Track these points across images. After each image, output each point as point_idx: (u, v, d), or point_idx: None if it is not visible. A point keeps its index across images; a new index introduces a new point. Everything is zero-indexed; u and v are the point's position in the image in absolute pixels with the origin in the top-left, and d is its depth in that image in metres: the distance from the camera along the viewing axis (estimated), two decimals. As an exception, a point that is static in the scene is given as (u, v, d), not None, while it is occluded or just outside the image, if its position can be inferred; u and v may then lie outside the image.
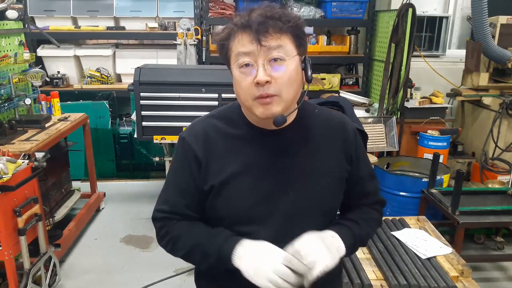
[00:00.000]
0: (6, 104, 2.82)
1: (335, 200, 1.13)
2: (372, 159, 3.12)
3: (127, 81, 4.07)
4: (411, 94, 3.79)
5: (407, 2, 3.57)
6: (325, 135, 1.11)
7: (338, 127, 1.13)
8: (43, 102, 3.21)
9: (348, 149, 1.12)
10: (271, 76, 0.96)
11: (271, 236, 1.02)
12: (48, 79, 4.01)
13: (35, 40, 4.03)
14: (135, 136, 3.11)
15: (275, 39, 0.95)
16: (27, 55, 3.15)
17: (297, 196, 1.05)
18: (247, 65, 0.97)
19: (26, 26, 3.29)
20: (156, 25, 4.05)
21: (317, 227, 1.05)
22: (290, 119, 1.07)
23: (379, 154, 3.63)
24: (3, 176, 2.07)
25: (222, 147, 1.06)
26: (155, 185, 4.11)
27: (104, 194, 3.73)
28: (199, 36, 3.82)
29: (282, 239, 1.01)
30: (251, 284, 0.96)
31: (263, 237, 1.02)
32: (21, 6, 3.11)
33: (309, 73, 1.03)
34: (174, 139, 2.98)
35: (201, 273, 1.20)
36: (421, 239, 2.09)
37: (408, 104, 3.69)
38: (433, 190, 2.83)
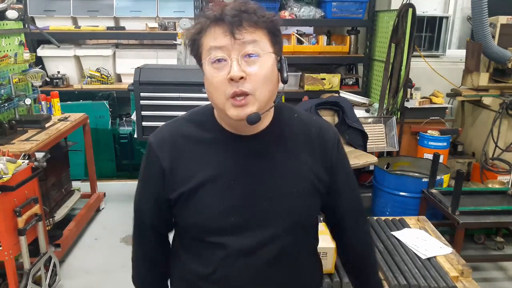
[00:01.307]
0: (6, 104, 2.82)
1: (309, 209, 1.06)
2: (372, 159, 3.12)
3: (127, 81, 4.07)
4: (411, 94, 3.79)
5: (407, 2, 3.57)
6: (302, 141, 1.04)
7: (317, 134, 1.05)
8: (43, 102, 3.21)
9: (326, 159, 1.05)
10: (245, 72, 0.90)
11: (242, 247, 0.99)
12: (48, 79, 4.01)
13: (35, 40, 4.03)
14: (135, 136, 3.11)
15: (249, 33, 0.90)
16: (27, 55, 3.15)
17: (270, 205, 0.99)
18: (219, 60, 0.91)
19: (26, 26, 3.29)
20: (156, 25, 4.05)
21: (291, 238, 1.03)
22: (265, 123, 1.01)
23: (379, 154, 3.63)
24: (3, 176, 2.07)
25: (191, 153, 1.00)
26: (155, 185, 4.10)
27: (104, 194, 3.73)
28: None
29: (254, 250, 0.99)
30: None
31: (234, 248, 0.98)
32: (21, 6, 3.10)
33: (285, 74, 0.97)
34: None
35: (174, 279, 1.17)
36: (421, 239, 2.09)
37: (408, 104, 3.69)
38: (433, 190, 2.83)
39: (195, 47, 0.96)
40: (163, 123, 1.10)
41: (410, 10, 3.54)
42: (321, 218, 2.28)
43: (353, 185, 1.14)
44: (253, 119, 0.92)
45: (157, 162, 1.01)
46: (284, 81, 0.98)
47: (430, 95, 3.89)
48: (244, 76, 0.90)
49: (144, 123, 2.99)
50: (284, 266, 1.04)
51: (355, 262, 1.22)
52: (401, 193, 3.02)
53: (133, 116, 3.16)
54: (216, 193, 0.98)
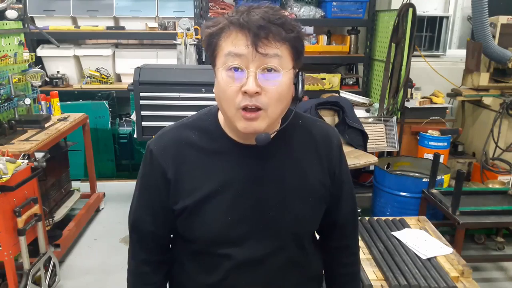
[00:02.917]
0: (6, 104, 2.82)
1: (315, 217, 1.05)
2: (373, 159, 3.12)
3: (127, 81, 4.07)
4: (412, 94, 3.79)
5: (408, 2, 3.56)
6: (308, 149, 1.02)
7: (323, 141, 1.03)
8: (42, 102, 3.20)
9: (331, 167, 1.04)
10: (261, 87, 0.85)
11: (249, 258, 0.98)
12: (47, 79, 4.00)
13: (35, 40, 4.02)
14: (135, 136, 3.10)
15: (273, 47, 0.84)
16: (26, 55, 3.14)
17: (277, 215, 0.97)
18: (236, 69, 0.85)
19: (26, 26, 3.28)
20: (156, 25, 4.05)
21: (298, 246, 1.03)
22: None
23: (380, 154, 3.63)
24: (3, 176, 2.06)
25: (195, 163, 0.96)
26: (155, 185, 4.10)
27: (104, 194, 3.72)
28: (199, 36, 3.81)
29: (261, 260, 0.98)
30: None
31: (239, 259, 0.97)
32: (20, 6, 3.10)
33: (300, 90, 0.93)
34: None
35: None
36: (421, 239, 2.09)
37: (409, 104, 3.69)
38: (434, 190, 2.82)
39: (211, 48, 0.90)
40: (163, 123, 1.09)
41: (410, 10, 3.54)
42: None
43: (352, 190, 1.13)
44: (263, 140, 0.89)
45: (161, 171, 0.97)
46: (299, 99, 0.94)
47: (430, 95, 3.89)
48: (260, 91, 0.85)
49: (144, 123, 2.99)
50: (292, 274, 1.03)
51: (342, 270, 1.16)
52: (402, 193, 3.01)
53: (133, 116, 3.16)
54: (222, 205, 0.96)
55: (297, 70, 0.93)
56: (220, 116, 0.99)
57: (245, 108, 0.86)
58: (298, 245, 1.03)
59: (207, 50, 0.92)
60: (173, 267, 1.11)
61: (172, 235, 1.09)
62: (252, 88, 0.84)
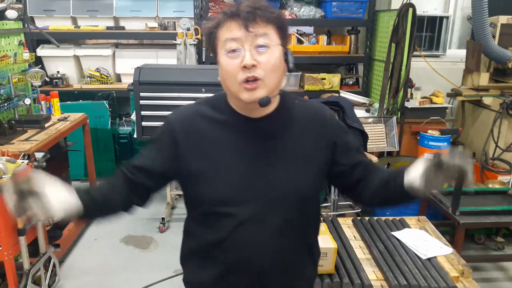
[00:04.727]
0: (6, 104, 2.82)
1: (312, 185, 1.16)
2: (373, 159, 3.12)
3: (127, 81, 4.07)
4: (412, 94, 3.79)
5: (407, 2, 3.56)
6: (305, 123, 1.16)
7: (318, 116, 1.19)
8: (42, 102, 3.20)
9: (330, 137, 1.17)
10: (256, 61, 1.02)
11: (250, 218, 1.09)
12: (47, 79, 4.00)
13: (35, 40, 4.02)
14: (135, 136, 3.10)
15: (261, 27, 1.03)
16: (26, 55, 3.15)
17: (275, 179, 1.10)
18: (234, 50, 1.03)
19: (26, 26, 3.29)
20: (156, 25, 4.05)
21: (296, 210, 1.13)
22: (272, 107, 1.13)
23: (380, 154, 3.62)
24: (3, 176, 2.06)
25: (207, 131, 1.11)
26: (155, 185, 4.09)
27: (104, 194, 3.71)
28: (199, 36, 3.81)
29: (260, 221, 1.09)
30: (238, 258, 1.10)
31: (242, 219, 1.09)
32: (20, 6, 3.10)
33: (291, 64, 1.10)
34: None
35: (187, 254, 1.24)
36: (421, 239, 2.09)
37: (409, 104, 3.69)
38: (434, 190, 2.82)
39: (211, 40, 1.08)
40: (163, 123, 1.17)
41: (410, 10, 3.54)
42: (321, 219, 2.27)
43: (360, 148, 1.26)
44: (264, 102, 1.05)
45: (172, 133, 1.12)
46: (290, 70, 1.11)
47: (430, 95, 3.89)
48: (256, 64, 1.02)
49: (143, 123, 2.99)
50: (291, 235, 1.14)
51: (382, 181, 1.21)
52: (402, 193, 3.01)
53: (133, 116, 3.16)
54: (228, 168, 1.09)
55: (285, 49, 1.10)
56: (228, 95, 1.14)
57: (246, 81, 1.03)
58: (297, 208, 1.13)
59: (208, 43, 1.10)
60: (184, 242, 1.23)
61: (139, 196, 1.16)
62: (250, 61, 1.01)
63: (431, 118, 3.67)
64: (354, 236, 2.17)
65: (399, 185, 1.12)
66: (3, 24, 3.00)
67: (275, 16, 1.06)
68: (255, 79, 1.02)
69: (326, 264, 1.77)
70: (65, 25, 4.07)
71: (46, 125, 2.98)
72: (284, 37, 1.09)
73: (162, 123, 1.17)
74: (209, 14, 4.02)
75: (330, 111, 1.24)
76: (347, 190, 1.29)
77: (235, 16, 1.03)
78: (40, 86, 3.34)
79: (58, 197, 1.00)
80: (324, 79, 4.20)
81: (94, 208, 1.11)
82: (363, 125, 3.35)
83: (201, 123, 1.12)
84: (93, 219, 1.16)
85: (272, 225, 1.10)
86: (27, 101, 3.00)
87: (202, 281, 1.18)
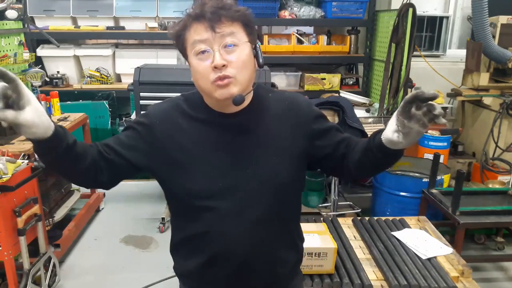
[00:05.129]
0: (6, 104, 2.81)
1: (291, 174, 1.16)
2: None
3: (127, 81, 4.07)
4: (411, 94, 3.78)
5: (408, 2, 3.57)
6: (280, 114, 1.17)
7: (292, 106, 1.19)
8: (42, 102, 3.19)
9: (306, 124, 1.18)
10: (226, 60, 1.03)
11: (230, 210, 1.11)
12: (47, 79, 4.00)
13: (35, 40, 4.02)
14: (135, 136, 3.10)
15: (227, 26, 1.03)
16: (26, 55, 3.15)
17: (253, 172, 1.12)
18: (203, 52, 1.04)
19: (26, 26, 3.29)
20: (156, 25, 4.05)
21: (273, 203, 1.14)
22: (246, 103, 1.14)
23: (379, 154, 3.62)
24: (3, 176, 2.06)
25: (183, 127, 1.13)
26: (155, 185, 4.08)
27: (104, 194, 3.72)
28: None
29: (240, 212, 1.11)
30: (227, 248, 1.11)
31: (223, 211, 1.11)
32: (20, 6, 3.11)
33: (260, 59, 1.11)
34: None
35: (175, 244, 1.27)
36: (421, 239, 2.09)
37: (409, 104, 3.68)
38: (434, 190, 2.82)
39: (180, 43, 1.09)
40: (143, 114, 1.20)
41: (410, 10, 3.54)
42: (321, 219, 2.27)
43: (339, 128, 1.27)
44: (238, 100, 1.06)
45: (151, 129, 1.13)
46: (260, 66, 1.12)
47: (430, 95, 3.88)
48: (226, 63, 1.03)
49: (144, 123, 2.98)
50: (272, 224, 1.16)
51: (363, 148, 1.18)
52: (402, 193, 3.01)
53: (133, 116, 3.16)
54: (205, 162, 1.11)
55: (254, 45, 1.11)
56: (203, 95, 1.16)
57: (217, 80, 1.04)
58: (277, 198, 1.14)
59: (177, 45, 1.11)
60: (174, 232, 1.26)
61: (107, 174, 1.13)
62: (220, 62, 1.02)
63: (431, 118, 3.67)
64: (354, 236, 2.17)
65: (379, 145, 1.07)
66: (3, 24, 3.01)
67: (240, 14, 1.06)
68: (227, 78, 1.04)
69: (326, 264, 1.77)
70: (65, 25, 4.07)
71: (46, 125, 2.98)
72: (251, 34, 1.09)
73: (143, 112, 1.19)
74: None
75: (305, 99, 1.26)
76: (335, 170, 1.29)
77: (201, 18, 1.03)
78: (40, 86, 3.35)
79: (34, 101, 0.89)
80: (324, 79, 4.20)
81: (61, 143, 0.99)
82: (363, 125, 3.36)
83: (180, 119, 1.14)
84: (55, 154, 0.99)
85: (253, 216, 1.12)
86: (27, 101, 2.99)
87: (189, 269, 1.22)
